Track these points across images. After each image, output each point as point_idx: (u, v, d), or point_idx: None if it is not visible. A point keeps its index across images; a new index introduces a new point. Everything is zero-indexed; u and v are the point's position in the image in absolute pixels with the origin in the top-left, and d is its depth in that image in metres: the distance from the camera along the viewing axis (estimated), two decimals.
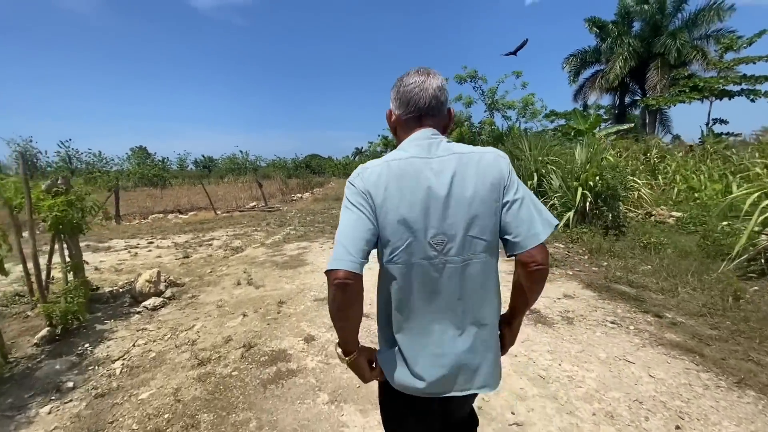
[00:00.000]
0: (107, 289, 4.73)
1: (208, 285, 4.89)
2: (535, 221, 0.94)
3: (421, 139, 1.00)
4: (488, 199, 0.94)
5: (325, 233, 8.28)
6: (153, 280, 4.42)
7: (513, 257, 0.98)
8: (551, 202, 7.27)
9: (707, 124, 19.65)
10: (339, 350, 1.06)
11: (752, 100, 17.41)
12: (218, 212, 12.96)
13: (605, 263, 4.81)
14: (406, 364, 1.01)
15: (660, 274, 4.14)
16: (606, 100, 25.51)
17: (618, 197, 6.23)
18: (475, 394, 1.08)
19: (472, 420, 1.30)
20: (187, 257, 6.54)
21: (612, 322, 3.22)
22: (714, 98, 18.67)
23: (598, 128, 11.95)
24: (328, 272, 0.91)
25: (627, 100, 24.98)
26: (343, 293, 0.90)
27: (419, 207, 0.93)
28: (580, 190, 6.47)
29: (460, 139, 14.02)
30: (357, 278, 0.90)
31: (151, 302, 4.16)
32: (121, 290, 4.78)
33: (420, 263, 0.95)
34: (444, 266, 0.95)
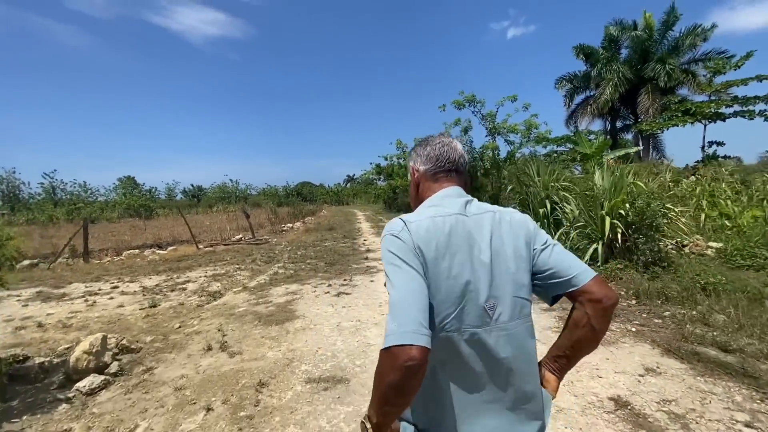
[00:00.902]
0: (38, 360, 3.67)
1: (171, 349, 3.87)
2: (576, 259, 0.93)
3: (455, 196, 0.97)
4: (524, 256, 0.91)
5: (319, 272, 7.32)
6: (95, 350, 3.40)
7: (570, 299, 0.91)
8: (570, 234, 6.48)
9: (702, 147, 19.50)
10: (369, 428, 0.83)
11: (750, 118, 17.29)
12: (200, 246, 11.91)
13: (666, 312, 3.93)
14: None
15: (746, 329, 3.28)
16: (597, 125, 25.53)
17: (658, 227, 5.45)
18: None
19: None
20: (154, 306, 5.50)
21: (747, 426, 2.22)
22: (707, 121, 18.59)
23: (605, 152, 11.41)
24: (390, 350, 0.72)
25: (618, 124, 25.00)
26: (414, 377, 0.72)
27: (469, 267, 0.86)
28: (608, 219, 5.70)
29: None
30: (427, 355, 0.74)
31: (88, 382, 3.13)
32: (56, 361, 3.73)
33: (473, 332, 0.85)
34: (498, 334, 0.86)
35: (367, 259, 8.56)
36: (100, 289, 6.73)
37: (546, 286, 0.93)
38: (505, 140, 15.14)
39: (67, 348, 4.05)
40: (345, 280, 6.61)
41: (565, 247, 1.22)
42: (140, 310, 5.37)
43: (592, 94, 23.74)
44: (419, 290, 0.80)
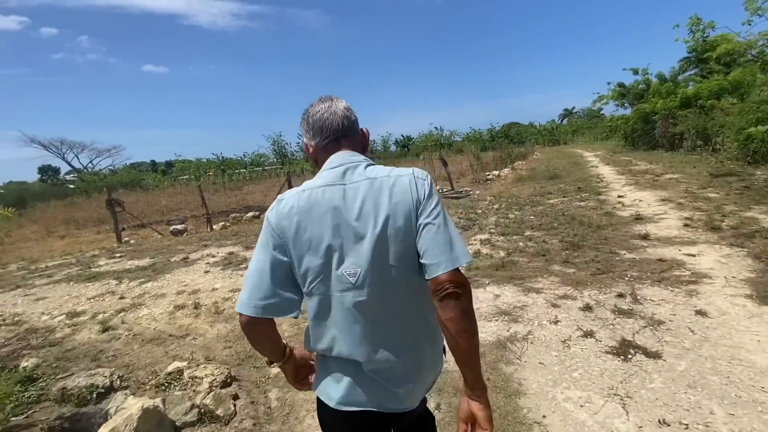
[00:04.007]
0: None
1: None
2: (447, 243, 0.89)
3: (337, 164, 0.98)
4: (401, 225, 0.91)
5: (553, 262, 4.11)
6: None
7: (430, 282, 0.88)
8: None
9: None
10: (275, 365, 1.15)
11: None
12: None
13: None
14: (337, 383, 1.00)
15: None
16: None
17: None
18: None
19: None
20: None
21: None
22: None
23: None
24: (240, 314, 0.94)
25: None
26: (251, 333, 0.98)
27: (330, 236, 0.90)
28: None
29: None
30: (261, 322, 0.94)
31: None
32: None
33: (339, 292, 0.92)
34: (363, 293, 0.91)
35: (647, 238, 4.66)
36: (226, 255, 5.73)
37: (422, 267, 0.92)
38: None
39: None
40: (620, 294, 3.23)
41: None
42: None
43: None
44: (264, 269, 0.92)
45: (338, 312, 0.93)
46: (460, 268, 0.86)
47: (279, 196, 0.98)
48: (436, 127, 41.61)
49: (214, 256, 6.08)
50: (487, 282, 3.74)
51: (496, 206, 7.86)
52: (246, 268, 5.55)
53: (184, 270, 5.48)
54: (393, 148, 61.41)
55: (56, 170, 48.46)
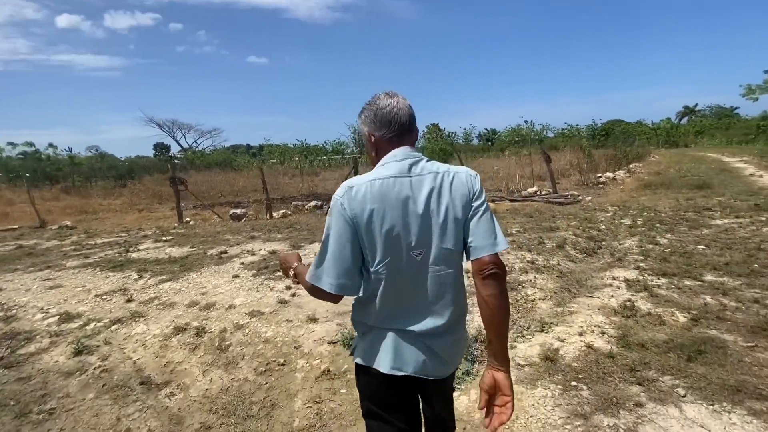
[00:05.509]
0: None
1: None
2: (490, 231, 1.03)
3: (402, 157, 1.05)
4: (459, 214, 1.02)
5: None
6: None
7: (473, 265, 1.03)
8: None
9: None
10: (291, 273, 1.23)
11: None
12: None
13: None
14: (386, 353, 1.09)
15: None
16: None
17: None
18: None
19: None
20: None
21: None
22: None
23: None
24: (314, 287, 1.05)
25: None
26: (316, 294, 1.08)
27: (401, 224, 1.00)
28: None
29: None
30: (332, 295, 1.03)
31: None
32: None
33: (405, 271, 1.02)
34: (424, 272, 1.04)
35: None
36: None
37: (466, 249, 1.05)
38: None
39: None
40: None
41: None
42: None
43: None
44: (341, 251, 1.01)
45: (401, 288, 1.04)
46: (498, 253, 1.02)
47: (347, 183, 1.04)
48: (525, 121, 37.70)
49: (254, 254, 5.01)
50: (680, 392, 1.90)
51: (627, 222, 5.66)
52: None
53: (213, 270, 4.45)
54: (475, 141, 57.85)
55: (167, 147, 54.42)
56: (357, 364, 1.15)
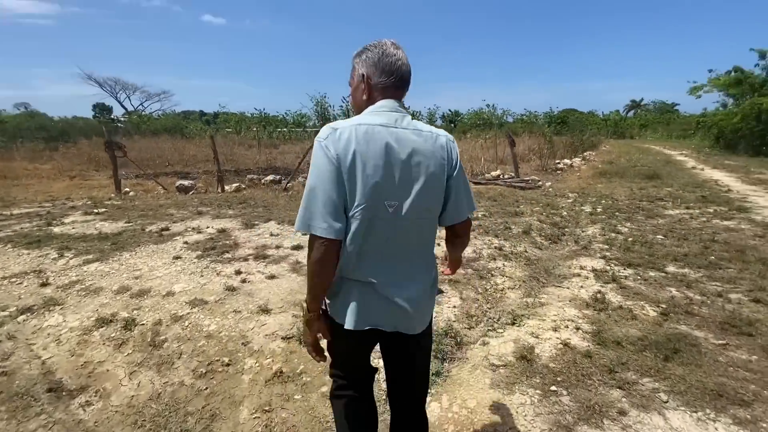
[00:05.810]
0: None
1: None
2: (463, 200, 1.13)
3: (389, 109, 1.05)
4: (437, 174, 1.05)
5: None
6: None
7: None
8: None
9: None
10: (305, 304, 1.11)
11: None
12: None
13: None
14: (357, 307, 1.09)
15: None
16: None
17: None
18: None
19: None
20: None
21: None
22: None
23: None
24: (312, 236, 1.00)
25: None
26: (327, 256, 1.00)
27: (381, 173, 0.99)
28: None
29: None
30: (336, 244, 1.01)
31: None
32: None
33: (377, 220, 1.02)
34: (395, 225, 1.04)
35: None
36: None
37: (443, 211, 1.13)
38: None
39: None
40: None
41: None
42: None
43: None
44: (331, 194, 0.98)
45: (372, 237, 1.03)
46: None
47: (330, 125, 1.03)
48: (488, 105, 38.09)
49: (200, 232, 4.50)
50: (662, 397, 1.79)
51: (587, 209, 5.73)
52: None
53: (152, 249, 3.92)
54: (439, 122, 57.90)
55: (109, 109, 49.41)
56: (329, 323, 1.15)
